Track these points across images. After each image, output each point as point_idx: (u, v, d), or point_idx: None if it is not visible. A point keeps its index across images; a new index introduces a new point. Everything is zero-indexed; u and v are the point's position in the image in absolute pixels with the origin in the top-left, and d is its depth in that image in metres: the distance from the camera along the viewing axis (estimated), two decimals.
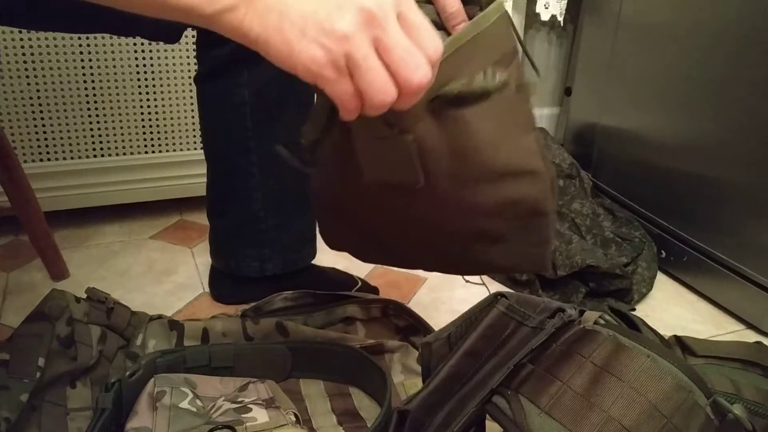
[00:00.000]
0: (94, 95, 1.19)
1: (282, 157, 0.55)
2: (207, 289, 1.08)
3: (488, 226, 0.62)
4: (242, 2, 0.46)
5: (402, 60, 0.45)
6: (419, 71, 0.45)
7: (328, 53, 0.44)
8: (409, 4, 0.46)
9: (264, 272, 1.00)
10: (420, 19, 0.46)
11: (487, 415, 0.53)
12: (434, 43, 0.47)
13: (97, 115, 1.20)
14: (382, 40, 0.44)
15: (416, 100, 0.47)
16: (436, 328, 0.67)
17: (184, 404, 0.68)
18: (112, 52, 1.16)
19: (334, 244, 0.76)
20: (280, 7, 0.45)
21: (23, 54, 1.11)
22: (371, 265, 1.19)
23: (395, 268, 1.18)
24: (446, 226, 0.63)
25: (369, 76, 0.44)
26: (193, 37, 1.02)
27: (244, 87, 0.88)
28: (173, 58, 1.20)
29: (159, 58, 1.20)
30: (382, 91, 0.45)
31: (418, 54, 0.45)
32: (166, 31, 0.85)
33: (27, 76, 1.13)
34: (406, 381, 0.84)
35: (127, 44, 1.17)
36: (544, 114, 1.67)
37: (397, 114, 0.50)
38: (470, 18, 0.58)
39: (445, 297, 1.11)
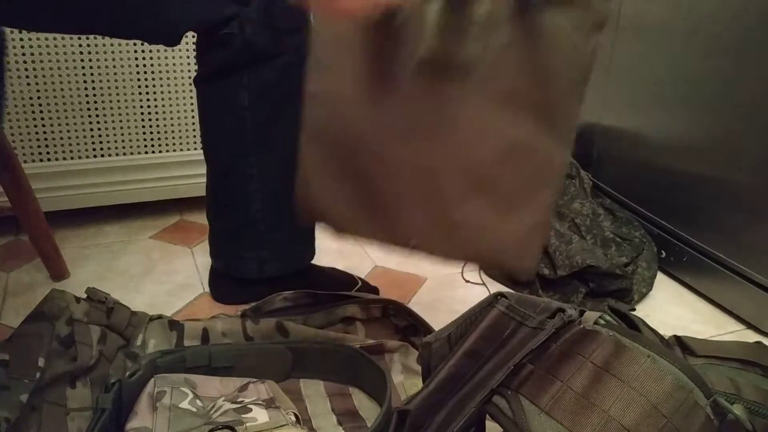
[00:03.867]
0: (94, 95, 1.19)
1: None
2: (207, 289, 1.08)
3: (490, 172, 0.62)
4: None
5: None
6: None
7: None
8: None
9: (263, 274, 1.00)
10: None
11: (487, 415, 0.53)
12: None
13: (97, 115, 1.20)
14: None
15: None
16: (436, 328, 0.67)
17: (184, 404, 0.68)
18: (112, 52, 1.16)
19: (313, 206, 0.73)
20: None
21: (23, 54, 1.11)
22: (371, 265, 1.19)
23: (395, 268, 1.18)
24: (450, 167, 0.62)
25: None
26: (193, 38, 1.02)
27: (244, 89, 0.88)
28: (173, 58, 1.20)
29: (159, 58, 1.20)
30: None
31: None
32: (166, 33, 0.85)
33: (27, 76, 1.13)
34: (406, 381, 0.84)
35: (127, 45, 1.17)
36: None
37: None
38: None
39: (445, 297, 1.11)
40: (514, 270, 0.69)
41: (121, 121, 1.22)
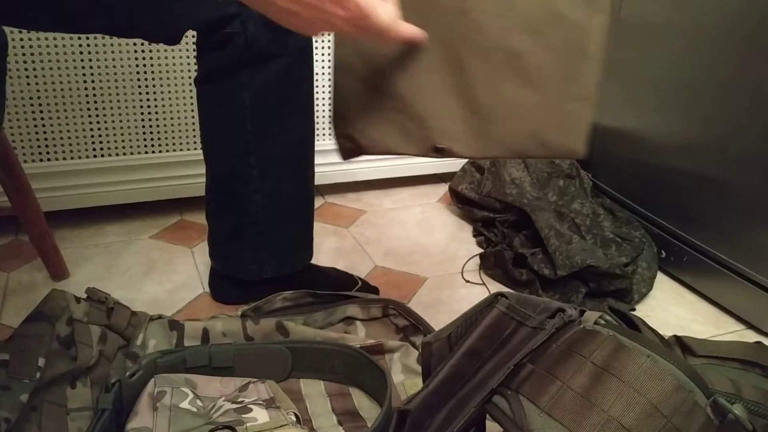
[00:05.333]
0: (94, 95, 1.19)
1: None
2: (207, 289, 1.08)
3: (526, 46, 0.60)
4: None
5: None
6: None
7: None
8: None
9: (262, 275, 1.00)
10: None
11: (487, 415, 0.53)
12: None
13: (97, 115, 1.20)
14: None
15: None
16: (436, 328, 0.67)
17: (185, 404, 0.68)
18: (112, 52, 1.16)
19: (350, 135, 0.70)
20: None
21: (23, 54, 1.11)
22: (371, 265, 1.19)
23: (395, 268, 1.18)
24: (478, 45, 0.60)
25: None
26: (193, 37, 1.02)
27: (245, 89, 0.87)
28: (173, 58, 1.20)
29: (159, 58, 1.20)
30: None
31: None
32: (167, 32, 0.85)
33: (27, 76, 1.13)
34: (407, 381, 0.84)
35: (127, 44, 1.17)
36: None
37: None
38: None
39: (445, 297, 1.11)
40: (561, 153, 0.64)
41: (121, 121, 1.22)
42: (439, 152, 0.67)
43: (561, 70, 0.62)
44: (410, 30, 0.60)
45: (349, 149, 0.71)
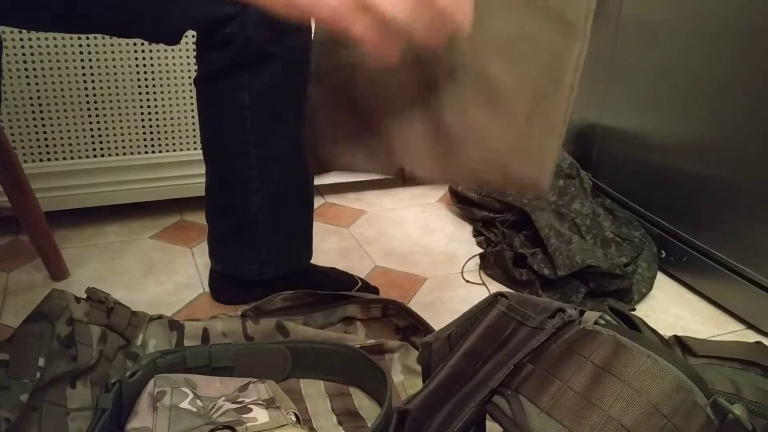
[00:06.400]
0: (94, 95, 1.19)
1: None
2: (207, 289, 1.08)
3: (496, 69, 0.55)
4: None
5: None
6: None
7: None
8: None
9: (262, 275, 0.99)
10: None
11: (488, 415, 0.53)
12: None
13: (97, 115, 1.20)
14: None
15: None
16: (436, 328, 0.67)
17: (185, 404, 0.68)
18: (112, 52, 1.16)
19: (320, 151, 0.67)
20: None
21: (23, 54, 1.11)
22: (371, 265, 1.19)
23: (395, 268, 1.18)
24: (447, 69, 0.56)
25: None
26: (193, 37, 1.02)
27: (244, 90, 0.87)
28: (173, 58, 1.20)
29: (159, 58, 1.20)
30: None
31: None
32: (166, 32, 0.85)
33: (27, 76, 1.13)
34: (407, 381, 0.84)
35: (127, 44, 1.17)
36: None
37: None
38: None
39: (445, 297, 1.11)
40: (524, 186, 0.60)
41: (121, 121, 1.22)
42: (405, 176, 0.64)
43: (530, 97, 0.57)
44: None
45: (318, 166, 0.68)
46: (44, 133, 1.18)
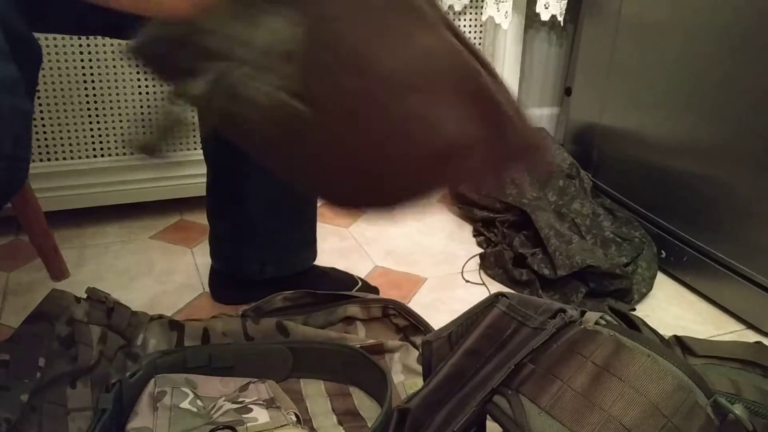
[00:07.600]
0: (94, 95, 1.19)
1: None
2: (207, 289, 1.08)
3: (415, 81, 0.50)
4: None
5: None
6: None
7: None
8: None
9: (263, 275, 0.99)
10: None
11: (488, 415, 0.53)
12: None
13: (97, 115, 1.20)
14: None
15: None
16: (436, 328, 0.67)
17: (185, 404, 0.68)
18: (112, 52, 1.16)
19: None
20: None
21: None
22: (371, 265, 1.19)
23: (395, 268, 1.18)
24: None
25: None
26: None
27: None
28: None
29: None
30: None
31: None
32: None
33: None
34: (407, 381, 0.84)
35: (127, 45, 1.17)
36: (544, 114, 1.67)
37: None
38: None
39: (445, 297, 1.11)
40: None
41: (121, 121, 1.22)
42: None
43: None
44: None
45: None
46: (44, 133, 1.18)
